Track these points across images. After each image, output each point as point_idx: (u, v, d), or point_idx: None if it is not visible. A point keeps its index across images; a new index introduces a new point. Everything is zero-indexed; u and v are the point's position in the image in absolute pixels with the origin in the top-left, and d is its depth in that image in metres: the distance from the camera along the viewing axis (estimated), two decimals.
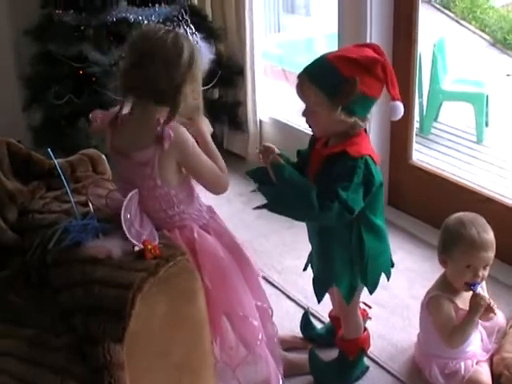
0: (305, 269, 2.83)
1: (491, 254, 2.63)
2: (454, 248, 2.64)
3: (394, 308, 3.16)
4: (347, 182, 2.34)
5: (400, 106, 2.42)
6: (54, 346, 2.03)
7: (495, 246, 2.64)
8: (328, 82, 2.34)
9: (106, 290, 2.00)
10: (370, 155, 2.41)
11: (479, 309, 2.63)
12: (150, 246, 2.10)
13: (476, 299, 2.63)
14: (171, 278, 2.06)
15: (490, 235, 2.64)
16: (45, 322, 2.13)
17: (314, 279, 2.72)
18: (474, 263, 2.63)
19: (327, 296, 2.76)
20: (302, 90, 2.41)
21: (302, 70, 2.44)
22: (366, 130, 2.52)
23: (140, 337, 2.00)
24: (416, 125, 5.57)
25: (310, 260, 2.80)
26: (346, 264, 2.56)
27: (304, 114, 2.47)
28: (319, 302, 2.71)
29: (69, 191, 2.39)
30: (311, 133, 2.59)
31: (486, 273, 2.66)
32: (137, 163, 2.28)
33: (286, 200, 2.40)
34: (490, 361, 2.77)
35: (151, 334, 2.05)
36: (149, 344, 2.06)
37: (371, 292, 2.65)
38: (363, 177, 2.36)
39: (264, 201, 2.46)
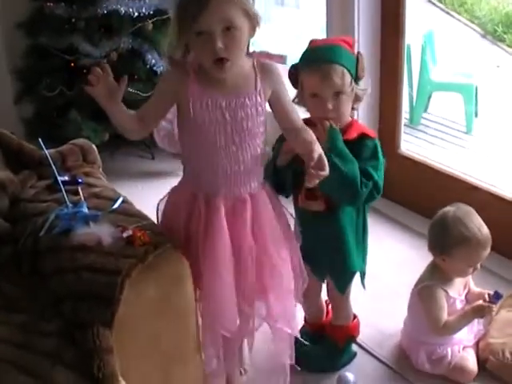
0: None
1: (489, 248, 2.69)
2: (457, 249, 2.65)
3: (382, 295, 3.18)
4: (375, 161, 2.46)
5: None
6: (44, 332, 2.05)
7: None
8: (350, 61, 2.45)
9: (96, 276, 2.04)
10: None
11: (483, 316, 2.72)
12: (139, 234, 2.13)
13: (487, 309, 2.68)
14: (159, 264, 2.09)
15: (486, 229, 2.67)
16: (36, 308, 2.16)
17: (333, 273, 2.71)
18: (477, 261, 2.68)
19: None
20: (330, 76, 2.42)
21: (317, 61, 2.46)
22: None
23: (129, 322, 2.03)
24: (406, 115, 5.66)
25: (306, 261, 2.56)
26: (356, 245, 2.61)
27: (328, 104, 2.44)
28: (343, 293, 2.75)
29: (59, 180, 2.43)
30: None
31: None
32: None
33: (335, 170, 2.31)
34: (476, 346, 2.81)
35: (140, 319, 2.08)
36: (137, 330, 2.09)
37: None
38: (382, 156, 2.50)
39: None
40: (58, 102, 4.31)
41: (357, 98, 2.52)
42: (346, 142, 2.44)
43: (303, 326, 2.90)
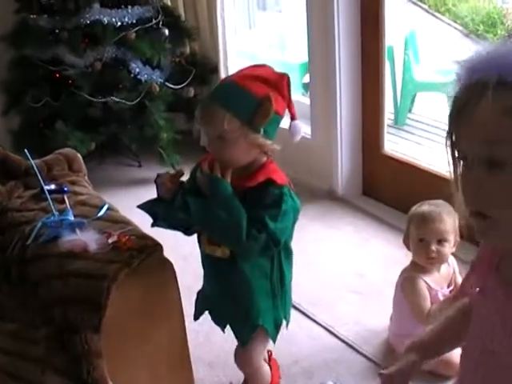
0: (197, 318, 2.49)
1: (442, 226, 2.70)
2: (409, 226, 2.76)
3: (369, 294, 3.22)
4: (276, 210, 2.16)
5: (300, 124, 2.31)
6: (34, 339, 2.09)
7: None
8: (243, 105, 2.14)
9: (83, 282, 2.07)
10: (288, 182, 2.25)
11: None
12: (124, 239, 2.17)
13: None
14: (144, 268, 2.13)
15: (440, 209, 2.70)
16: (25, 315, 2.19)
17: (233, 324, 2.44)
18: (426, 236, 2.72)
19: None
20: (211, 119, 2.16)
21: (206, 98, 2.29)
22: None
23: (116, 326, 2.07)
24: (391, 116, 5.70)
25: (206, 305, 2.48)
26: (268, 297, 2.35)
27: (212, 146, 2.20)
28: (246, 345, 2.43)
29: (45, 189, 2.47)
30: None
31: (445, 249, 2.73)
32: None
33: (214, 216, 2.15)
34: None
35: (127, 323, 2.12)
36: (125, 333, 2.13)
37: (286, 325, 2.45)
38: (290, 205, 2.21)
39: None
40: (44, 112, 4.35)
41: (260, 148, 2.19)
42: (249, 188, 2.19)
43: None
